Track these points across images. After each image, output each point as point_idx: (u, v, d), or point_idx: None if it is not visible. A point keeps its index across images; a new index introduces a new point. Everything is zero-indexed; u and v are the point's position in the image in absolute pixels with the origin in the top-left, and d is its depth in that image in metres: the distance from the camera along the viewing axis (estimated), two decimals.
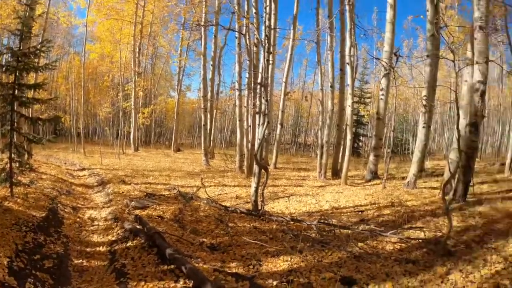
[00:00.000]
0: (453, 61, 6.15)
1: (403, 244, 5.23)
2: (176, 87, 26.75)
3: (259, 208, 6.63)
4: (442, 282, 3.88)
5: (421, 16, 10.48)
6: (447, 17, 15.82)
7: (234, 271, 3.99)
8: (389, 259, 4.61)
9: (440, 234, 5.50)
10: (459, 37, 13.08)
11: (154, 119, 28.57)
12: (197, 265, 3.96)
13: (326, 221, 6.00)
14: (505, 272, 4.25)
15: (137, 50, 22.84)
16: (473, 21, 7.79)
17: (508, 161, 13.36)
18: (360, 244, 5.14)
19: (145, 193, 8.23)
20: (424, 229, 5.77)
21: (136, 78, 22.39)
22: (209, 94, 17.48)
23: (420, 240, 5.32)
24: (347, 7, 11.34)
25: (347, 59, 11.28)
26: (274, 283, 3.73)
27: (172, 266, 3.88)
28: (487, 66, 7.67)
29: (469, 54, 8.80)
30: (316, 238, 5.36)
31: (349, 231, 5.71)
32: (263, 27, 8.43)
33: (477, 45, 7.60)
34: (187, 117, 36.68)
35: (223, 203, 7.33)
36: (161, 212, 6.52)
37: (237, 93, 13.81)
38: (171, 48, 28.91)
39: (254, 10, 11.25)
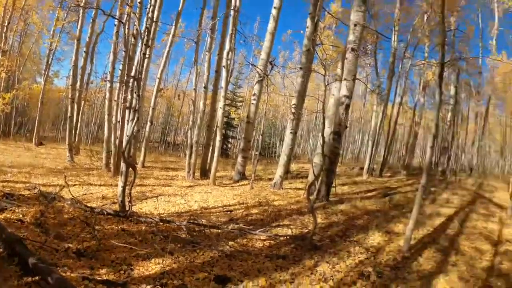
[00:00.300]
0: (324, 75, 6.86)
1: (272, 241, 5.59)
2: (44, 72, 23.21)
3: (127, 209, 6.24)
4: (311, 273, 4.32)
5: (301, 32, 11.61)
6: (324, 36, 17.87)
7: (104, 278, 3.66)
8: (260, 255, 4.88)
9: (306, 230, 6.14)
10: (332, 55, 14.92)
11: (15, 106, 24.31)
12: (64, 274, 3.48)
13: (196, 221, 5.99)
14: (367, 261, 5.00)
15: (6, 23, 19.00)
16: (347, 43, 9.01)
17: (366, 166, 16.03)
18: (230, 243, 5.28)
19: (2, 193, 6.92)
20: (291, 227, 6.34)
21: (0, 56, 18.70)
22: (78, 83, 15.76)
23: (288, 237, 5.79)
24: (232, 12, 11.62)
25: (224, 62, 11.54)
26: (148, 287, 3.59)
27: (37, 278, 3.33)
28: (354, 83, 8.93)
29: (339, 71, 10.15)
30: (186, 239, 5.30)
31: (219, 231, 5.84)
32: (145, 19, 8.02)
33: (347, 64, 8.79)
34: (53, 107, 31.70)
35: (89, 204, 6.64)
36: (21, 215, 5.55)
37: (109, 85, 12.84)
38: (44, 27, 24.85)
39: (138, 0, 10.69)
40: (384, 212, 8.53)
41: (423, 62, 18.58)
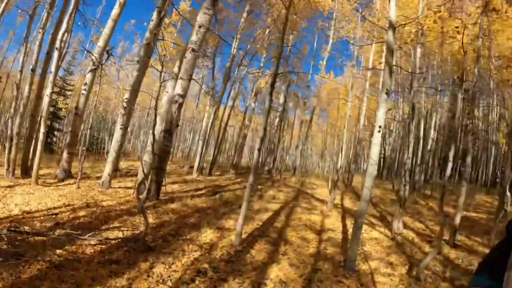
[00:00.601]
0: (161, 72, 7.22)
1: (103, 246, 5.60)
2: None
3: None
4: (148, 276, 4.62)
5: (144, 24, 11.54)
6: (167, 32, 18.06)
7: None
8: (92, 263, 4.86)
9: (138, 231, 6.38)
10: (172, 52, 15.31)
11: None
12: None
13: (18, 229, 5.54)
14: (203, 258, 5.61)
15: None
16: (189, 43, 9.55)
17: (196, 165, 17.11)
18: (59, 251, 5.11)
19: None
20: (122, 228, 6.48)
21: None
22: None
23: (120, 240, 5.90)
24: None
25: (57, 44, 10.54)
26: None
27: None
28: (189, 83, 9.55)
29: (176, 69, 10.65)
30: (8, 250, 4.84)
31: (45, 238, 5.54)
32: None
33: (185, 64, 9.33)
34: None
35: None
36: None
37: None
38: None
39: None
40: (214, 209, 9.43)
41: (258, 71, 21.23)
